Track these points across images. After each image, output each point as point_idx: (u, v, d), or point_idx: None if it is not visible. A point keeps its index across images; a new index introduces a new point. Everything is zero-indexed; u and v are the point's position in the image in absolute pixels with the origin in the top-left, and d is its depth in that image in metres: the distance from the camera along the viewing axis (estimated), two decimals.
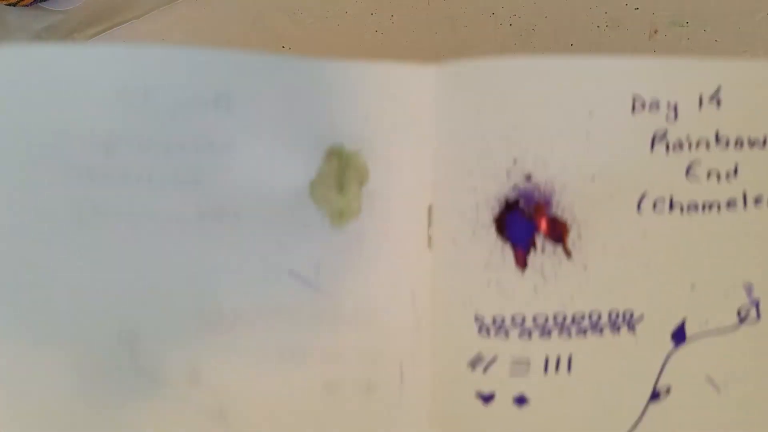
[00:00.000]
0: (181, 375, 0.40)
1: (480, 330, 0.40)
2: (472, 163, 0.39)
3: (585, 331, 0.40)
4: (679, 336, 0.40)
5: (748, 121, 0.39)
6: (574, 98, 0.39)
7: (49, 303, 0.39)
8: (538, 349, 0.40)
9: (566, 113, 0.39)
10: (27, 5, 0.47)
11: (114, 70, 0.38)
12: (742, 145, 0.40)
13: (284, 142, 0.39)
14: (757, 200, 0.40)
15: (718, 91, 0.39)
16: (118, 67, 0.38)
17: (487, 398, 0.41)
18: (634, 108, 0.39)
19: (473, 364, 0.40)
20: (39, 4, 0.48)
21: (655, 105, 0.39)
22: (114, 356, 0.39)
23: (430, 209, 0.40)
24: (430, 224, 0.40)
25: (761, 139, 0.39)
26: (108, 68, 0.38)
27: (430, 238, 0.40)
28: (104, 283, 0.39)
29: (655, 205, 0.39)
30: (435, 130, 0.40)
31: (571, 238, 0.40)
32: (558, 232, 0.40)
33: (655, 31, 0.43)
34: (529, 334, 0.40)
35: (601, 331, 0.40)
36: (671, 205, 0.40)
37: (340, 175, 0.39)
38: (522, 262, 0.40)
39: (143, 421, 0.40)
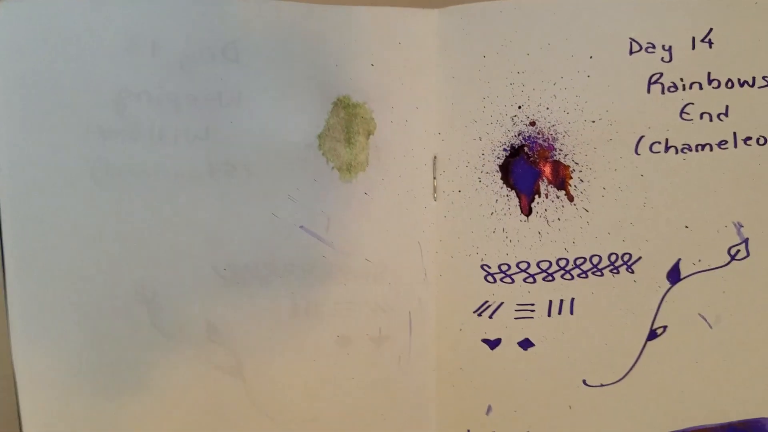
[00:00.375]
0: (198, 331, 0.39)
1: (486, 277, 0.40)
2: (477, 111, 0.39)
3: (586, 274, 0.41)
4: (674, 275, 0.41)
5: (738, 61, 0.40)
6: (576, 41, 0.38)
7: (65, 260, 0.37)
8: (542, 293, 0.40)
9: (568, 56, 0.39)
10: None
11: (121, 21, 0.36)
12: (732, 85, 0.40)
13: (292, 94, 0.38)
14: (747, 139, 0.41)
15: (709, 32, 0.40)
16: (125, 18, 0.36)
17: (494, 343, 0.41)
18: (631, 50, 0.39)
19: (480, 310, 0.40)
20: None
21: (651, 47, 0.40)
22: (132, 313, 0.38)
23: (434, 160, 0.40)
24: (435, 175, 0.40)
25: (750, 79, 0.40)
26: (115, 19, 0.36)
27: (435, 190, 0.40)
28: (120, 240, 0.38)
29: (651, 147, 0.40)
30: (439, 78, 0.39)
31: (573, 183, 0.40)
32: (561, 177, 0.40)
33: None
34: (534, 279, 0.40)
35: (602, 273, 0.41)
36: (667, 147, 0.40)
37: (347, 127, 0.38)
38: (527, 209, 0.40)
39: (161, 377, 0.39)
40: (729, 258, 0.42)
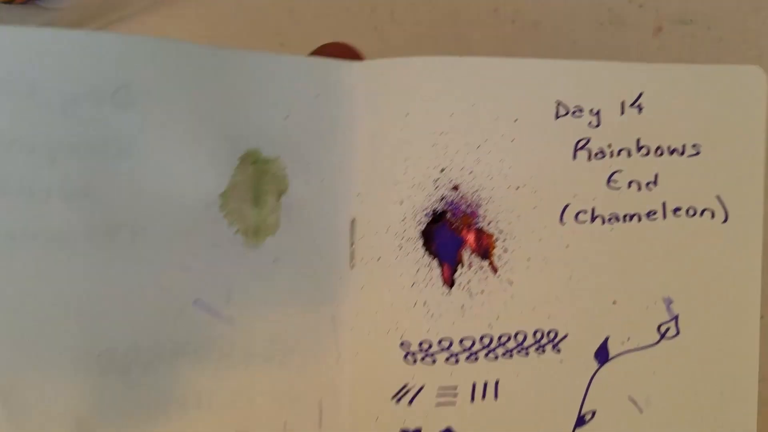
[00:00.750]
0: (66, 430, 0.32)
1: (406, 357, 0.36)
2: (399, 172, 0.35)
3: (511, 353, 0.38)
4: (602, 355, 0.39)
5: (668, 128, 0.38)
6: (501, 102, 0.36)
7: None
8: (465, 375, 0.37)
9: (493, 118, 0.36)
10: (22, 3, 0.44)
11: None
12: (661, 153, 0.39)
13: (192, 146, 0.33)
14: (676, 210, 0.39)
15: (639, 97, 0.39)
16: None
17: None
18: (557, 114, 0.38)
19: (399, 396, 0.36)
20: (35, 2, 0.45)
21: (578, 111, 0.38)
22: None
23: (353, 223, 0.36)
24: (353, 240, 0.36)
25: (680, 147, 0.39)
26: None
27: (352, 257, 0.36)
28: None
29: (577, 216, 0.37)
30: (360, 135, 0.36)
31: (497, 252, 0.37)
32: (485, 246, 0.37)
33: (659, 29, 0.42)
34: (457, 359, 0.37)
35: (527, 352, 0.38)
36: (593, 216, 0.38)
37: (256, 185, 0.34)
38: (449, 279, 0.37)
39: None
40: (658, 336, 0.40)
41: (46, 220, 0.31)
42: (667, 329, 0.39)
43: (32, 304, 0.31)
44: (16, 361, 0.31)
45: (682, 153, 0.39)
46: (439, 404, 0.36)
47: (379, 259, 0.36)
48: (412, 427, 0.36)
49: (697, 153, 0.39)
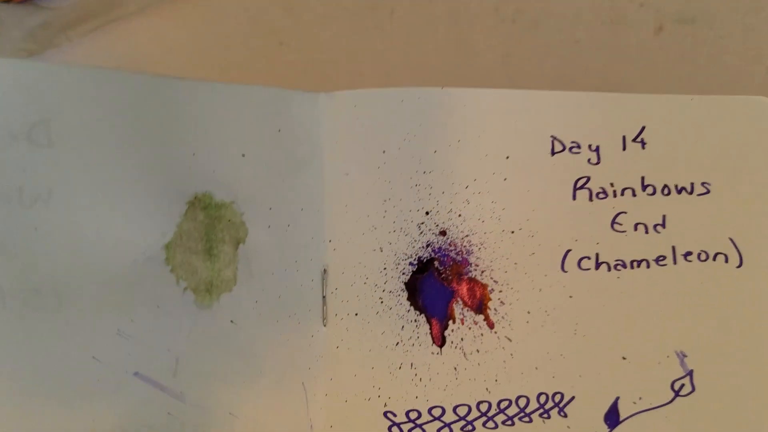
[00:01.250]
0: None
1: (391, 428, 0.31)
2: (376, 216, 0.31)
3: (512, 421, 0.33)
4: (612, 418, 0.34)
5: (674, 164, 0.35)
6: (490, 138, 0.32)
7: None
8: None
9: (482, 156, 0.32)
10: (21, 2, 0.42)
11: None
12: (669, 192, 0.35)
13: (127, 190, 0.28)
14: (687, 254, 0.35)
15: (642, 131, 0.36)
16: None
17: None
18: (553, 150, 0.34)
19: None
20: (33, 1, 0.43)
21: (576, 147, 0.35)
22: None
23: (324, 274, 0.32)
24: (324, 294, 0.32)
25: (688, 186, 0.36)
26: None
27: (325, 313, 0.32)
28: None
29: (579, 263, 0.34)
30: (330, 174, 0.32)
31: (493, 306, 0.33)
32: (479, 298, 0.33)
33: (660, 28, 0.39)
34: (451, 430, 0.32)
35: (530, 419, 0.33)
36: (597, 263, 0.34)
37: (207, 234, 0.30)
38: (439, 338, 0.32)
39: None
40: (673, 394, 0.35)
41: None
42: (682, 386, 0.35)
43: None
44: None
45: (691, 192, 0.36)
46: None
47: (356, 315, 0.31)
48: None
49: (707, 192, 0.36)
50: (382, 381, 0.32)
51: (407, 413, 0.32)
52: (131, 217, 0.28)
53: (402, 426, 0.32)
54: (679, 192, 0.36)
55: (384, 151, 0.32)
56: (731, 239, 0.36)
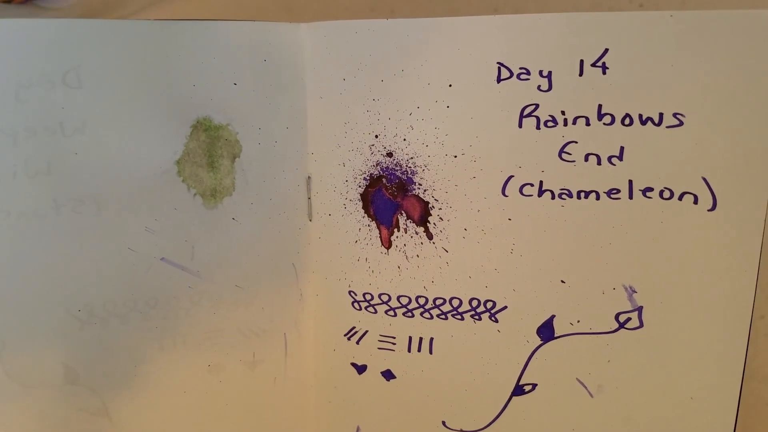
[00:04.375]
0: (55, 376, 0.38)
1: (353, 303, 0.38)
2: (340, 136, 0.36)
3: (446, 316, 0.37)
4: (546, 332, 0.35)
5: (640, 92, 0.31)
6: (432, 67, 0.33)
7: None
8: (402, 327, 0.38)
9: (424, 84, 0.34)
10: (21, 3, 0.46)
11: None
12: (630, 122, 0.31)
13: (144, 118, 0.36)
14: (647, 190, 0.32)
15: (603, 54, 0.31)
16: None
17: (361, 369, 0.39)
18: (499, 77, 0.33)
19: (349, 335, 0.39)
20: (33, 1, 0.47)
21: (525, 73, 0.32)
22: None
23: (308, 180, 0.38)
24: (310, 195, 0.38)
25: (656, 116, 0.31)
26: None
27: (310, 210, 0.38)
28: None
29: (521, 189, 0.34)
30: (309, 96, 0.36)
31: (432, 220, 0.36)
32: (420, 213, 0.36)
33: None
34: (395, 313, 0.38)
35: (462, 317, 0.36)
36: (541, 190, 0.33)
37: (209, 151, 0.37)
38: (387, 241, 0.37)
39: (19, 425, 0.39)
40: (617, 324, 0.34)
41: (15, 199, 0.36)
42: (628, 319, 0.34)
43: (11, 272, 0.36)
44: (4, 321, 0.37)
45: (659, 123, 0.31)
46: (380, 348, 0.39)
47: (329, 215, 0.38)
48: (360, 362, 0.39)
49: (680, 123, 0.31)
50: (347, 268, 0.38)
51: (363, 294, 0.38)
52: (148, 139, 0.36)
53: (360, 303, 0.38)
54: (644, 123, 0.31)
55: (344, 79, 0.35)
56: (704, 178, 0.31)
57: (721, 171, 0.31)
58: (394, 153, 0.36)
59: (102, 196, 0.36)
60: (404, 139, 0.35)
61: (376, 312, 0.38)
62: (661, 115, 0.31)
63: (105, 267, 0.37)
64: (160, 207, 0.37)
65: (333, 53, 0.35)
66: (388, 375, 0.39)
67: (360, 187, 0.37)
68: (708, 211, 0.31)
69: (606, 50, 0.31)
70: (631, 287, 0.33)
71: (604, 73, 0.31)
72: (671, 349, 0.34)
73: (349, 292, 0.39)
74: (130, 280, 0.38)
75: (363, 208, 0.37)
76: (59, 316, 0.37)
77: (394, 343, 0.39)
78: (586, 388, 0.35)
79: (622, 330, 0.34)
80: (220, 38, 0.36)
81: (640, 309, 0.34)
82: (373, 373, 0.40)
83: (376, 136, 0.36)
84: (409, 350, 0.38)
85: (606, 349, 0.35)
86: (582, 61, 0.31)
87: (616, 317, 0.34)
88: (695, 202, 0.31)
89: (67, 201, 0.36)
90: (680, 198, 0.32)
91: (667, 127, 0.31)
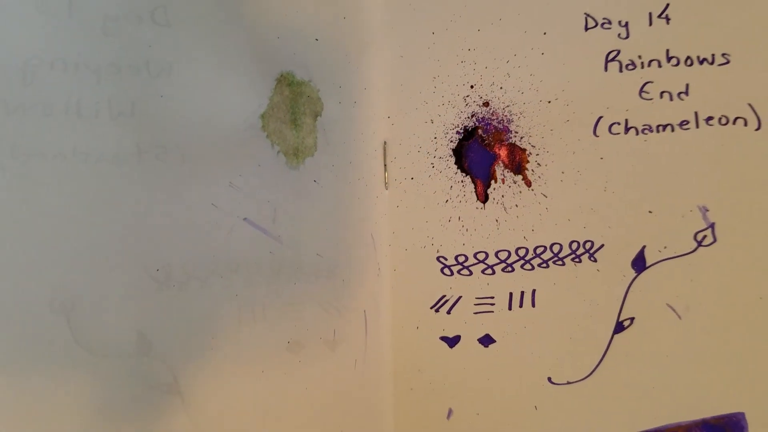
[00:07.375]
0: (127, 344, 0.33)
1: (443, 270, 0.36)
2: (427, 92, 0.35)
3: (547, 264, 0.37)
4: (639, 263, 0.38)
5: (696, 38, 0.37)
6: (528, 16, 0.35)
7: None
8: (501, 285, 0.36)
9: (521, 32, 0.35)
10: None
11: None
12: (691, 63, 0.38)
13: (230, 66, 0.33)
14: (708, 119, 0.38)
15: (666, 7, 0.38)
16: None
17: (453, 341, 0.36)
18: (587, 26, 0.37)
19: (437, 306, 0.36)
20: None
21: (607, 23, 0.37)
22: (46, 325, 0.31)
23: (384, 146, 0.35)
24: (385, 162, 0.36)
25: (710, 57, 0.38)
26: None
27: (386, 178, 0.36)
28: (29, 237, 0.31)
29: (610, 128, 0.37)
30: (387, 56, 0.35)
31: (530, 167, 0.37)
32: (517, 161, 0.37)
33: None
34: (493, 270, 0.36)
35: (563, 262, 0.37)
36: (627, 128, 0.37)
37: (293, 107, 0.34)
38: (483, 195, 0.36)
39: (85, 400, 0.32)
40: (696, 244, 0.39)
41: (96, 141, 0.31)
42: (704, 237, 0.39)
43: (86, 223, 0.31)
44: (75, 279, 0.32)
45: (712, 62, 0.38)
46: (477, 312, 0.37)
47: (412, 179, 0.35)
48: (452, 334, 0.37)
49: (727, 62, 0.38)
50: (435, 232, 0.36)
51: (456, 257, 0.36)
52: (234, 89, 0.33)
53: (452, 268, 0.36)
54: (701, 63, 0.38)
55: (433, 33, 0.35)
56: (750, 105, 0.39)
57: (762, 97, 0.38)
58: (490, 102, 0.36)
59: (187, 145, 0.32)
60: (501, 87, 0.35)
61: (471, 274, 0.36)
62: (713, 56, 0.37)
63: (187, 224, 0.33)
64: (245, 162, 0.33)
65: (419, 9, 0.35)
66: (486, 340, 0.36)
67: (452, 141, 0.35)
68: (755, 130, 0.38)
69: (668, 4, 0.37)
70: (704, 207, 0.38)
71: (667, 23, 0.37)
72: (738, 258, 0.38)
73: (438, 258, 0.36)
74: (212, 239, 0.33)
75: (456, 163, 0.36)
76: (136, 276, 0.32)
77: (493, 304, 0.36)
78: (675, 311, 0.38)
79: (700, 248, 0.38)
80: None
81: (712, 225, 0.38)
82: (469, 343, 0.36)
83: (472, 86, 0.35)
84: (510, 307, 0.36)
85: (689, 270, 0.38)
86: (650, 14, 0.37)
87: (695, 237, 0.38)
88: (745, 124, 0.38)
89: (150, 147, 0.32)
90: (734, 122, 0.38)
91: (719, 65, 0.37)
